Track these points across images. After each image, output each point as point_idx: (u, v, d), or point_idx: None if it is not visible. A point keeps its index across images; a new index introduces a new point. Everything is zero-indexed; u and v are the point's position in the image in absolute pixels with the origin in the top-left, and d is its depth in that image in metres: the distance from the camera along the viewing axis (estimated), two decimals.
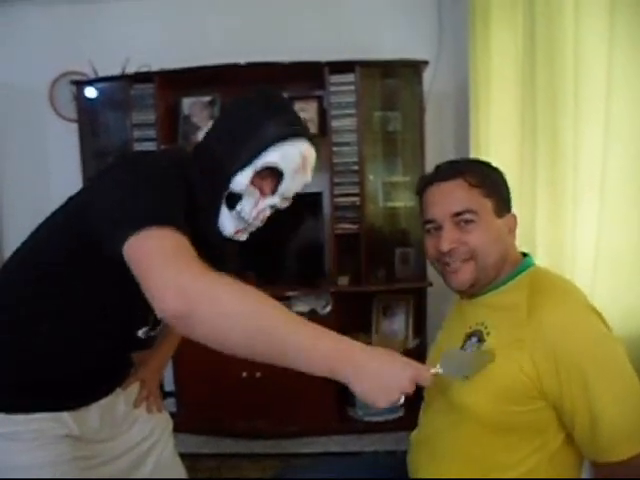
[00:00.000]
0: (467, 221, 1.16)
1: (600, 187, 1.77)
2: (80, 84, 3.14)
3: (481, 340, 1.14)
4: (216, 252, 1.13)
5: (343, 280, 3.01)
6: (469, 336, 1.18)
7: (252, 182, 1.13)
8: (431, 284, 2.89)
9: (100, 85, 3.15)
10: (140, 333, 1.21)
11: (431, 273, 2.72)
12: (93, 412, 1.20)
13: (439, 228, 1.19)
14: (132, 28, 3.22)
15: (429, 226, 1.23)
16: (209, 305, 0.88)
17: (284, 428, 2.85)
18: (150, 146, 3.01)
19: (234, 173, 1.12)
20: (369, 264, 3.00)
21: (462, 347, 1.18)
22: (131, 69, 3.07)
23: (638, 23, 1.63)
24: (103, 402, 1.23)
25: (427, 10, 3.14)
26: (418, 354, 2.92)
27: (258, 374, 2.82)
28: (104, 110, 3.22)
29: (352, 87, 2.90)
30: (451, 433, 1.16)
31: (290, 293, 2.94)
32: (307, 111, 3.07)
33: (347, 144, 2.93)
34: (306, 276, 3.07)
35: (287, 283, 2.99)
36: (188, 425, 2.88)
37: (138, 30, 3.21)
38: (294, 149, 1.14)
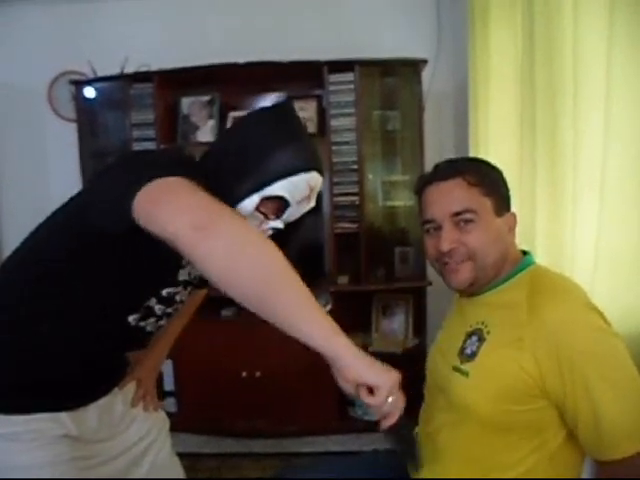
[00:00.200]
0: (467, 221, 1.16)
1: (600, 186, 1.77)
2: (79, 84, 3.14)
3: (481, 339, 1.14)
4: None
5: (343, 279, 3.01)
6: (469, 335, 1.18)
7: (257, 208, 1.14)
8: (430, 283, 2.89)
9: (99, 85, 3.15)
10: (131, 319, 1.19)
11: (430, 272, 2.72)
12: (91, 412, 1.20)
13: (438, 228, 1.19)
14: (131, 28, 3.22)
15: (428, 226, 1.22)
16: (231, 222, 0.88)
17: (284, 427, 2.85)
18: (149, 145, 3.00)
19: (241, 198, 1.12)
20: (369, 263, 3.00)
21: (462, 346, 1.18)
22: (130, 69, 3.07)
23: (637, 22, 1.63)
24: (101, 402, 1.23)
25: (426, 9, 3.14)
26: (418, 353, 2.92)
27: (258, 374, 2.82)
28: (103, 110, 3.22)
29: (351, 86, 2.90)
30: (451, 432, 1.16)
31: None
32: (306, 110, 3.07)
33: (346, 143, 2.93)
34: (305, 275, 3.04)
35: None
36: (188, 425, 2.88)
37: (137, 30, 3.21)
38: (302, 181, 1.14)
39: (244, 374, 2.85)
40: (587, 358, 1.02)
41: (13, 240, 1.19)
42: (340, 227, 2.97)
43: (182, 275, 1.22)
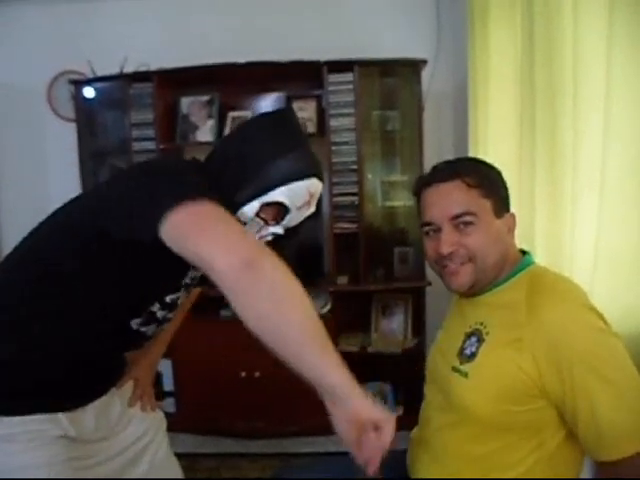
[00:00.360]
0: (466, 223, 1.15)
1: (599, 186, 1.77)
2: (78, 83, 3.13)
3: (480, 340, 1.14)
4: None
5: (342, 279, 3.01)
6: (469, 336, 1.18)
7: (257, 214, 1.15)
8: (430, 283, 2.89)
9: (98, 84, 3.15)
10: (134, 324, 1.20)
11: (430, 272, 2.71)
12: (89, 412, 1.20)
13: (438, 230, 1.18)
14: (130, 27, 3.22)
15: (427, 228, 1.22)
16: (275, 263, 0.89)
17: (283, 428, 2.85)
18: (149, 145, 3.00)
19: (242, 204, 1.14)
20: (368, 263, 3.00)
21: (462, 346, 1.18)
22: (129, 68, 3.07)
23: (637, 22, 1.63)
24: (98, 402, 1.23)
25: (426, 9, 3.14)
26: (417, 353, 2.93)
27: (257, 374, 2.82)
28: (102, 109, 3.22)
29: (351, 86, 2.90)
30: (451, 432, 1.16)
31: None
32: (306, 110, 3.07)
33: (346, 143, 2.93)
34: (305, 275, 3.02)
35: None
36: (187, 425, 2.88)
37: (136, 29, 3.21)
38: (302, 187, 1.16)
39: (243, 374, 2.85)
40: (586, 358, 1.02)
41: (12, 239, 1.19)
42: (339, 227, 2.96)
43: (185, 279, 1.23)
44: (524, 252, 1.25)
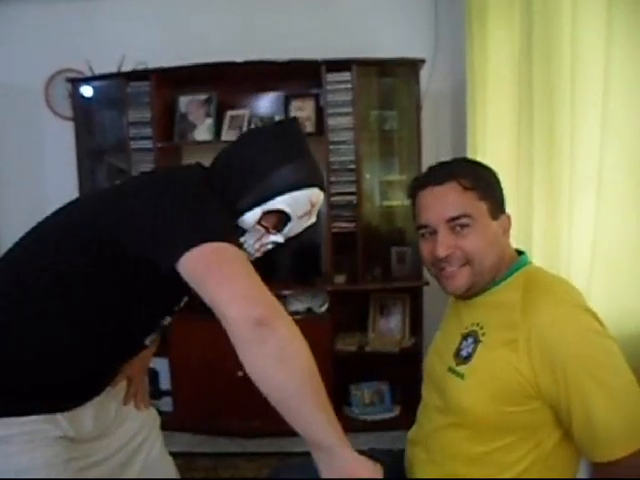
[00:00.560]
0: (462, 225, 1.15)
1: (597, 186, 1.77)
2: (76, 82, 3.13)
3: (477, 341, 1.14)
4: None
5: (339, 279, 3.01)
6: (465, 337, 1.17)
7: (259, 221, 1.17)
8: (427, 283, 2.89)
9: (96, 83, 3.15)
10: (147, 341, 1.23)
11: (427, 272, 2.72)
12: (87, 412, 1.20)
13: (434, 233, 1.18)
14: (128, 26, 3.22)
15: (423, 231, 1.21)
16: (287, 325, 0.91)
17: (280, 427, 2.80)
18: (146, 144, 3.00)
19: (243, 211, 1.15)
20: (365, 263, 3.00)
21: (458, 348, 1.18)
22: (127, 67, 3.06)
23: (636, 20, 1.63)
24: (95, 401, 1.22)
25: (424, 9, 3.14)
26: (414, 353, 2.93)
27: None
28: (100, 108, 3.21)
29: (349, 85, 2.90)
30: (448, 433, 1.16)
31: (286, 292, 2.94)
32: (304, 109, 3.08)
33: (344, 143, 2.93)
34: (302, 275, 3.07)
35: (283, 282, 2.99)
36: (184, 424, 2.88)
37: (134, 28, 3.21)
38: (304, 197, 1.17)
39: (240, 373, 2.81)
40: (579, 360, 1.02)
41: (9, 238, 1.18)
42: (337, 226, 2.96)
43: None
44: (520, 252, 1.25)
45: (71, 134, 3.14)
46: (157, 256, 1.01)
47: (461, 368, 1.14)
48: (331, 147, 2.91)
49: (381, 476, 0.91)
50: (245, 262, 0.99)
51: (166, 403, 3.01)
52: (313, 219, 1.24)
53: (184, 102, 3.15)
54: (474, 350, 1.13)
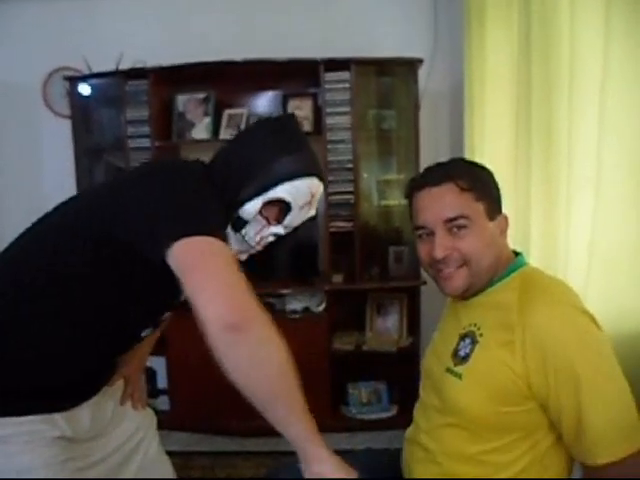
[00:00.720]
0: (460, 227, 1.14)
1: (594, 186, 1.78)
2: (74, 80, 3.12)
3: (474, 341, 1.14)
4: None
5: (337, 278, 3.01)
6: (463, 337, 1.18)
7: (260, 211, 1.17)
8: (425, 282, 2.89)
9: (94, 81, 3.13)
10: (144, 333, 1.22)
11: (425, 272, 2.72)
12: (84, 411, 1.19)
13: (431, 234, 1.18)
14: (126, 24, 3.21)
15: (420, 232, 1.21)
16: (261, 331, 0.91)
17: None
18: (144, 143, 3.00)
19: (244, 201, 1.16)
20: (363, 262, 3.00)
21: (456, 348, 1.18)
22: (125, 65, 3.05)
23: (634, 20, 1.64)
24: (92, 401, 1.22)
25: (423, 8, 3.14)
26: (412, 352, 2.93)
27: None
28: (98, 106, 3.20)
29: (347, 85, 2.90)
30: (446, 432, 1.16)
31: (284, 291, 2.94)
32: (302, 109, 3.07)
33: (342, 142, 2.93)
34: (300, 274, 3.06)
35: (281, 281, 2.99)
36: (181, 423, 2.88)
37: (132, 26, 3.20)
38: (304, 186, 1.18)
39: None
40: (573, 362, 1.02)
41: (6, 236, 1.18)
42: (335, 226, 2.96)
43: None
44: (517, 253, 1.25)
45: (69, 132, 3.13)
46: (148, 245, 1.01)
47: (459, 368, 1.14)
48: (329, 146, 2.91)
49: (355, 476, 0.94)
50: (230, 260, 0.99)
51: (163, 402, 3.01)
52: (313, 211, 1.25)
53: (182, 101, 3.14)
54: (472, 350, 1.13)
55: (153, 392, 2.98)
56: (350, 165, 2.93)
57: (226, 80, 3.08)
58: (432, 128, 3.10)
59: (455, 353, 1.17)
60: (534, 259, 1.97)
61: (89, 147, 3.19)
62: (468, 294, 1.20)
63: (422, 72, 2.98)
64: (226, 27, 3.14)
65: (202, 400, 2.90)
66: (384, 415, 2.95)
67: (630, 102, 1.68)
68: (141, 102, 3.00)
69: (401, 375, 2.93)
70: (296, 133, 1.25)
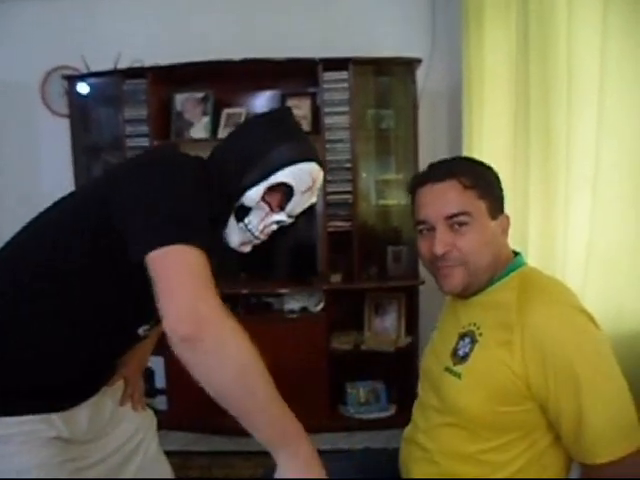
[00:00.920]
0: (461, 223, 1.14)
1: (593, 185, 1.78)
2: (72, 79, 3.12)
3: (474, 341, 1.14)
4: (215, 259, 1.13)
5: (335, 278, 3.01)
6: (462, 337, 1.18)
7: (263, 198, 1.17)
8: (423, 282, 2.90)
9: (92, 80, 3.13)
10: (141, 331, 1.22)
11: (423, 271, 2.72)
12: (82, 412, 1.19)
13: (432, 229, 1.18)
14: (124, 23, 3.21)
15: (421, 227, 1.21)
16: (216, 340, 0.91)
17: None
18: (142, 142, 3.00)
19: (247, 188, 1.16)
20: (361, 262, 3.00)
21: (455, 347, 1.18)
22: (123, 64, 3.05)
23: (631, 19, 1.64)
24: (91, 401, 1.22)
25: (421, 8, 3.14)
26: (410, 352, 2.93)
27: None
28: (96, 105, 3.20)
29: (345, 84, 2.90)
30: (444, 432, 1.16)
31: (282, 290, 2.94)
32: (300, 108, 3.07)
33: (340, 141, 2.93)
34: (298, 273, 3.06)
35: (279, 281, 2.98)
36: (179, 422, 2.87)
37: (131, 25, 3.20)
38: (305, 170, 1.19)
39: None
40: (572, 361, 1.02)
41: (4, 235, 1.17)
42: (333, 225, 2.97)
43: None
44: (516, 253, 1.25)
45: (67, 131, 3.13)
46: (128, 239, 1.00)
47: (458, 368, 1.14)
48: (327, 146, 2.91)
49: (323, 476, 0.95)
50: (198, 269, 0.96)
51: (161, 401, 3.01)
52: (314, 198, 1.26)
53: (180, 100, 3.14)
54: (471, 350, 1.13)
55: (151, 392, 2.97)
56: (348, 165, 2.93)
57: (225, 79, 3.08)
58: (430, 128, 3.11)
59: (454, 352, 1.17)
60: (532, 259, 1.97)
61: (87, 146, 3.19)
62: (467, 293, 1.20)
63: (420, 72, 2.99)
64: (226, 27, 3.14)
65: (200, 400, 2.87)
66: (382, 415, 2.95)
67: (628, 102, 1.68)
68: (139, 101, 3.00)
69: (399, 375, 2.93)
70: (293, 124, 1.27)
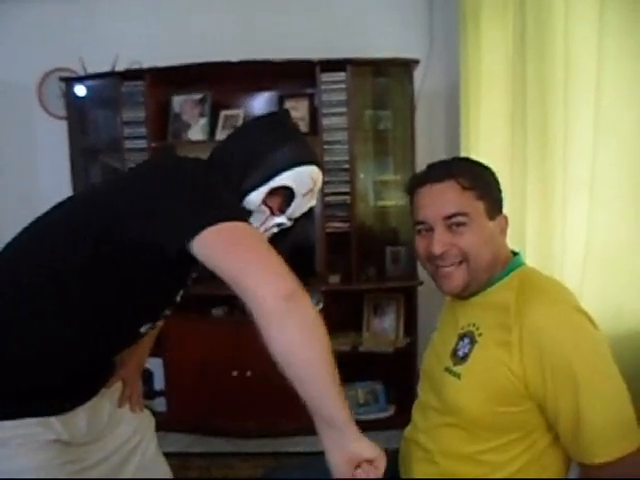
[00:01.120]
0: (459, 224, 1.15)
1: (590, 185, 1.78)
2: (69, 81, 3.12)
3: (473, 341, 1.14)
4: None
5: (334, 278, 3.01)
6: (461, 337, 1.18)
7: (264, 201, 1.19)
8: (422, 283, 2.90)
9: (90, 82, 3.13)
10: (143, 329, 1.22)
11: (422, 272, 2.72)
12: (81, 415, 1.19)
13: (430, 230, 1.18)
14: (122, 25, 3.21)
15: (420, 227, 1.21)
16: (308, 298, 0.94)
17: (274, 427, 2.85)
18: (140, 144, 2.99)
19: (248, 191, 1.18)
20: (360, 263, 3.00)
21: (455, 348, 1.18)
22: (121, 66, 3.05)
23: (629, 20, 1.64)
24: (89, 404, 1.22)
25: (418, 9, 3.14)
26: (408, 352, 2.93)
27: (249, 373, 2.81)
28: (94, 107, 3.20)
29: (343, 85, 2.90)
30: (444, 432, 1.16)
31: None
32: (298, 109, 3.07)
33: (338, 142, 2.93)
34: (297, 274, 3.05)
35: None
36: (178, 424, 2.87)
37: (128, 27, 3.20)
38: (306, 173, 1.21)
39: (235, 373, 2.85)
40: (570, 361, 1.02)
41: (1, 237, 1.17)
42: (331, 226, 2.97)
43: (192, 275, 1.24)
44: (515, 253, 1.25)
45: (64, 133, 3.13)
46: (167, 237, 1.00)
47: (458, 368, 1.14)
48: (325, 147, 2.91)
49: (384, 459, 0.94)
50: (264, 239, 1.02)
51: (160, 403, 3.01)
52: (314, 201, 1.27)
53: (178, 102, 3.14)
54: (471, 350, 1.13)
55: (150, 393, 2.97)
56: (346, 166, 2.93)
57: (222, 81, 3.08)
58: (428, 128, 3.11)
59: (454, 353, 1.17)
60: (530, 258, 1.97)
61: (85, 148, 3.18)
62: (466, 293, 1.20)
63: (418, 72, 2.99)
64: (225, 27, 3.14)
65: (199, 401, 2.90)
66: (381, 415, 2.95)
67: (626, 101, 1.68)
68: (137, 103, 3.00)
69: (398, 375, 2.93)
70: (292, 126, 1.29)
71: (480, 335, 1.14)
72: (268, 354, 0.91)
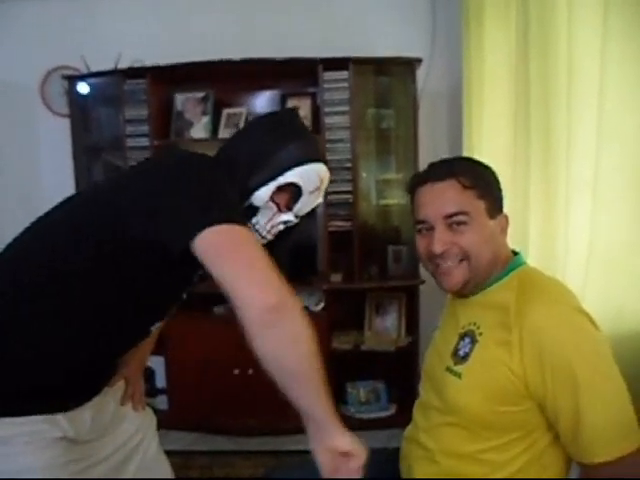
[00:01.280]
0: (459, 223, 1.15)
1: (593, 186, 1.78)
2: (72, 79, 3.12)
3: (474, 341, 1.14)
4: None
5: (336, 277, 3.01)
6: (462, 337, 1.18)
7: (271, 198, 1.19)
8: (423, 282, 2.89)
9: (92, 80, 3.13)
10: (153, 328, 1.24)
11: (423, 271, 2.72)
12: (86, 412, 1.19)
13: (431, 229, 1.18)
14: (125, 23, 3.21)
15: (420, 226, 1.22)
16: (295, 309, 0.96)
17: (276, 425, 2.84)
18: (143, 142, 3.00)
19: (256, 188, 1.18)
20: (362, 261, 3.00)
21: (456, 347, 1.18)
22: (124, 64, 3.05)
23: (632, 20, 1.63)
24: (94, 402, 1.22)
25: (421, 8, 3.14)
26: (410, 351, 2.93)
27: (250, 371, 2.81)
28: (96, 105, 3.20)
29: (346, 84, 2.90)
30: (445, 431, 1.16)
31: None
32: (300, 108, 3.06)
33: (340, 141, 2.93)
34: (299, 273, 3.06)
35: None
36: (180, 422, 2.88)
37: (131, 25, 3.20)
38: (314, 170, 1.22)
39: (236, 372, 2.85)
40: (574, 361, 1.02)
41: (4, 236, 1.17)
42: (333, 225, 2.96)
43: (198, 273, 1.24)
44: (515, 252, 1.25)
45: (67, 131, 3.13)
46: (170, 235, 1.01)
47: (458, 367, 1.14)
48: (327, 145, 2.91)
49: (365, 454, 0.98)
50: (259, 245, 1.02)
51: (162, 401, 3.01)
52: (320, 198, 1.28)
53: (181, 100, 3.14)
54: (471, 350, 1.14)
55: (152, 391, 2.98)
56: (349, 164, 2.92)
57: (225, 79, 3.08)
58: (431, 127, 3.11)
59: (455, 352, 1.17)
60: (533, 259, 1.97)
61: (87, 146, 3.19)
62: (466, 291, 1.20)
63: (421, 72, 2.99)
64: (226, 27, 3.14)
65: (201, 399, 2.91)
66: (383, 414, 2.95)
67: (629, 104, 1.68)
68: (140, 101, 3.00)
69: (400, 374, 2.93)
70: (300, 124, 1.29)
71: (481, 334, 1.14)
72: None
